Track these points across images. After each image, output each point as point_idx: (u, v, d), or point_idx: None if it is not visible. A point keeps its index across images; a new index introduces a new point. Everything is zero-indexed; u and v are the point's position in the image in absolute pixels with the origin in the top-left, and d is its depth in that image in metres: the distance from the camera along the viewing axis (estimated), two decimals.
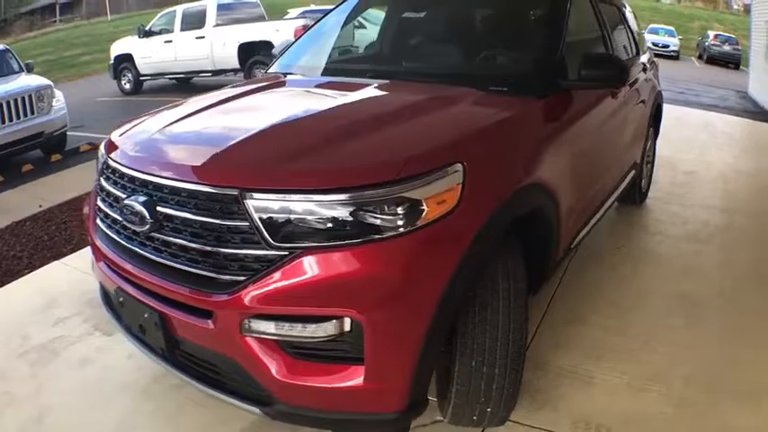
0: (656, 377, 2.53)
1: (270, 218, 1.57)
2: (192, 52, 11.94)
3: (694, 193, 5.22)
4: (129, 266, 1.86)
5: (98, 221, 2.11)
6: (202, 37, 11.83)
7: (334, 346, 1.61)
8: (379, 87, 2.48)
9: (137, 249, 1.85)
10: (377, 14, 3.60)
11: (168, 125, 2.15)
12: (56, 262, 3.83)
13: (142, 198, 1.78)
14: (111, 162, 2.04)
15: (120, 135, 2.22)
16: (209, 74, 12.20)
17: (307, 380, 1.61)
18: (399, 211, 1.57)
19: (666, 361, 2.65)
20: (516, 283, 1.88)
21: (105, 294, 2.28)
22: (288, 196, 1.57)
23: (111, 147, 2.13)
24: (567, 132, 2.36)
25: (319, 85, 2.76)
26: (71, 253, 3.99)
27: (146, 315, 1.79)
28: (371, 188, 1.57)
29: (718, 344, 2.81)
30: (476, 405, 1.85)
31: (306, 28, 10.61)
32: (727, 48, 22.61)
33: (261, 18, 12.97)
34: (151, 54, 12.59)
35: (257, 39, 11.23)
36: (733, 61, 22.04)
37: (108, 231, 2.02)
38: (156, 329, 1.78)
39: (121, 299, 1.90)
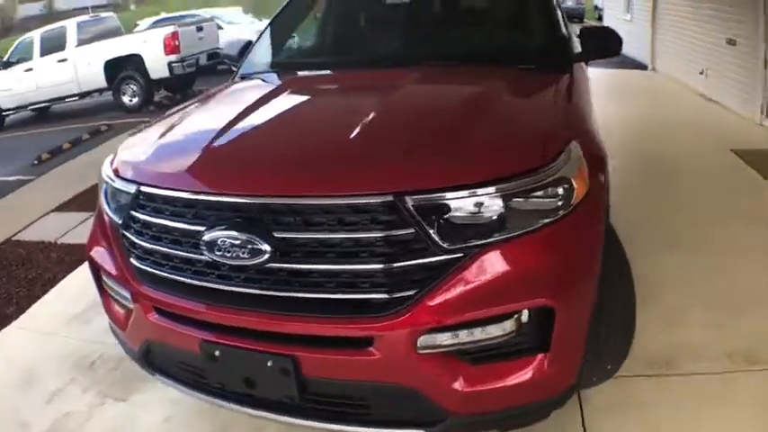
0: (681, 311, 2.71)
1: (437, 220, 1.45)
2: (55, 77, 10.76)
3: (612, 144, 5.62)
4: (228, 312, 1.60)
5: (143, 267, 1.77)
6: (65, 59, 10.69)
7: (512, 342, 1.53)
8: (424, 74, 2.32)
9: (239, 289, 1.59)
10: None
11: (220, 137, 1.87)
12: (7, 328, 3.27)
13: (246, 225, 1.52)
14: (154, 191, 1.72)
15: (150, 158, 1.88)
16: (76, 98, 11.09)
17: (487, 384, 1.52)
18: (560, 192, 1.54)
19: (682, 295, 2.85)
20: (619, 249, 1.91)
21: (147, 353, 1.93)
22: (454, 194, 1.47)
23: (138, 173, 1.81)
24: (588, 101, 2.40)
25: (352, 77, 2.53)
26: (20, 314, 3.41)
27: (268, 363, 1.55)
28: (535, 173, 1.52)
29: (711, 270, 3.07)
30: (599, 366, 1.85)
31: (176, 35, 10.16)
32: (570, 3, 24.35)
33: (119, 32, 12.00)
34: (11, 86, 11.17)
35: (124, 53, 10.38)
36: (577, 15, 23.82)
37: (174, 276, 1.70)
38: (284, 377, 1.55)
39: (216, 352, 1.62)
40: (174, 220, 1.68)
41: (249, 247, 1.50)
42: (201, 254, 1.60)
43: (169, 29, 10.12)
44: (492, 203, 1.48)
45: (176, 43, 9.85)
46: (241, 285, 1.58)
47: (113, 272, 1.88)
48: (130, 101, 10.35)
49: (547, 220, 1.52)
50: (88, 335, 3.07)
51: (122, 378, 2.69)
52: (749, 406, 2.12)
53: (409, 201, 1.45)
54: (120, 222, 1.84)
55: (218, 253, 1.54)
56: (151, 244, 1.75)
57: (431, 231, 1.44)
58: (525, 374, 1.53)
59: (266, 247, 1.48)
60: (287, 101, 2.28)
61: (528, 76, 2.27)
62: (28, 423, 2.44)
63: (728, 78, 6.51)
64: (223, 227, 1.55)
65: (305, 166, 1.62)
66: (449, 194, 1.46)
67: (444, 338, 1.47)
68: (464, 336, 1.47)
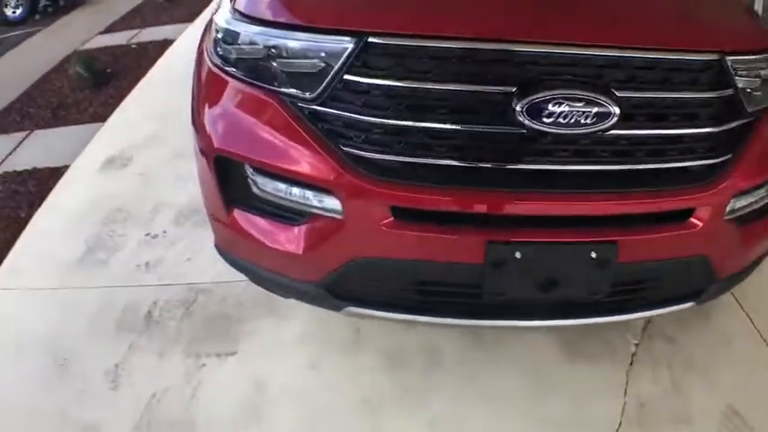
0: None
1: (746, 82, 1.44)
2: None
3: None
4: (545, 200, 1.34)
5: (375, 155, 1.32)
6: None
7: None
8: None
9: (562, 167, 1.34)
10: None
11: None
12: None
13: (587, 84, 1.28)
14: (413, 43, 1.25)
15: None
16: None
17: (751, 243, 1.59)
18: None
19: None
20: None
21: (341, 279, 1.44)
22: (755, 57, 1.45)
23: (364, 16, 1.31)
24: None
25: None
26: None
27: (592, 255, 1.36)
28: None
29: None
30: None
31: None
32: None
33: None
34: None
35: None
36: None
37: (447, 162, 1.31)
38: (600, 269, 1.39)
39: (516, 254, 1.36)
40: (458, 81, 1.27)
41: (595, 110, 1.27)
42: (511, 124, 1.28)
43: None
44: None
45: None
46: (568, 162, 1.33)
47: (298, 169, 1.34)
48: (13, 12, 8.55)
49: None
50: (111, 278, 2.13)
51: (207, 326, 1.85)
52: None
53: (730, 61, 1.40)
54: (310, 96, 1.33)
55: (546, 120, 1.27)
56: (400, 119, 1.28)
57: (741, 94, 1.43)
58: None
59: (615, 110, 1.28)
60: None
61: None
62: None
63: None
64: (556, 86, 1.27)
65: (643, 19, 1.43)
66: (754, 57, 1.45)
67: (741, 202, 1.49)
68: (747, 199, 1.51)
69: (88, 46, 5.78)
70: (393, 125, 1.29)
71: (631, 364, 1.79)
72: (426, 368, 1.62)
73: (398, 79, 1.27)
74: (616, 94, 1.28)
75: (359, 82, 1.28)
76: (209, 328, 1.78)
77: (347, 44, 1.27)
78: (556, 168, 1.32)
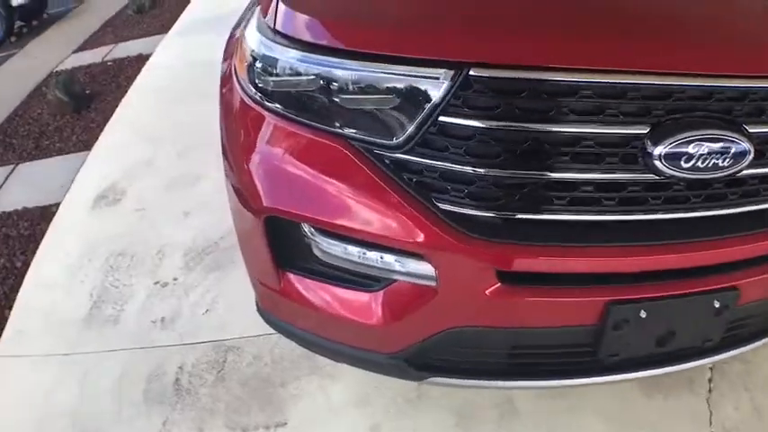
0: None
1: None
2: None
3: None
4: (671, 251, 1.18)
5: (477, 211, 1.10)
6: None
7: None
8: None
9: (691, 214, 1.19)
10: None
11: None
12: None
13: (716, 120, 1.10)
14: (518, 76, 1.00)
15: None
16: None
17: None
18: None
19: None
20: None
21: (429, 348, 1.23)
22: None
23: (466, 44, 1.03)
24: None
25: None
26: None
27: (715, 304, 1.23)
28: None
29: None
30: None
31: None
32: None
33: None
34: None
35: None
36: None
37: (568, 216, 1.12)
38: (717, 316, 1.26)
39: (641, 313, 1.19)
40: (580, 122, 1.05)
41: (733, 150, 1.10)
42: (644, 170, 1.11)
43: None
44: None
45: None
46: (698, 208, 1.18)
47: (379, 231, 1.11)
48: None
49: None
50: (127, 339, 1.93)
51: (245, 391, 1.65)
52: None
53: None
54: (394, 143, 1.08)
55: (684, 165, 1.10)
56: (514, 169, 1.06)
57: None
58: None
59: (750, 148, 1.12)
60: None
61: None
62: None
63: None
64: (694, 125, 1.09)
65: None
66: None
67: None
68: None
69: (63, 66, 5.49)
70: (504, 176, 1.06)
71: (710, 391, 1.65)
72: (500, 423, 1.45)
73: (509, 120, 1.03)
74: (748, 129, 1.12)
75: (458, 125, 1.03)
76: (249, 395, 1.60)
77: (442, 79, 1.01)
78: (684, 216, 1.17)
